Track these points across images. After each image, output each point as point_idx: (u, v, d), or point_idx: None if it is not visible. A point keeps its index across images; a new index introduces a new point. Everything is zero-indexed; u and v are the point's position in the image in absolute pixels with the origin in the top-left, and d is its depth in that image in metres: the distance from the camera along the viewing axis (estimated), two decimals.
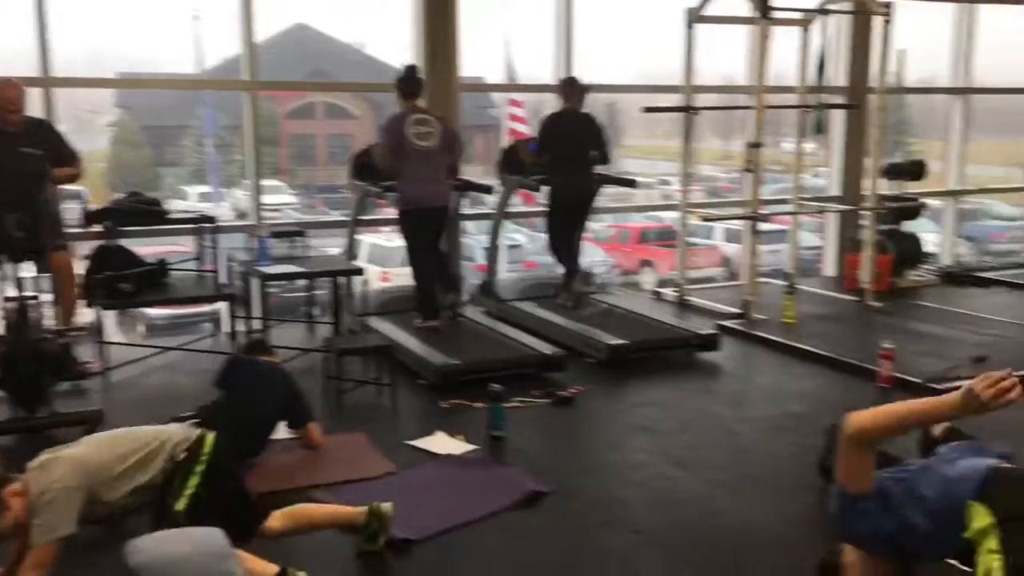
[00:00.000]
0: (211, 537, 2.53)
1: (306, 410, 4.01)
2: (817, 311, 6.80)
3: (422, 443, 4.12)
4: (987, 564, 1.96)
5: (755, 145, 6.42)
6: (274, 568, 2.64)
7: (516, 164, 6.54)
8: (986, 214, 16.02)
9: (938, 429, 3.55)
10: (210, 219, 5.89)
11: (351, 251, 6.49)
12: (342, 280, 5.83)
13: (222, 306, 6.08)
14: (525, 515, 3.42)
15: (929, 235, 9.48)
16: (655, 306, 7.06)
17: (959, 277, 8.01)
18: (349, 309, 5.93)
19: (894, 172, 7.60)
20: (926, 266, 8.15)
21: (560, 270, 6.55)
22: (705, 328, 5.93)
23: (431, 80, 6.30)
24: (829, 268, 8.56)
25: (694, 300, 7.14)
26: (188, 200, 18.26)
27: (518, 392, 4.68)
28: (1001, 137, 16.09)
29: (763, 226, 6.69)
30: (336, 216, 10.32)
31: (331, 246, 6.98)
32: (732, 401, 4.92)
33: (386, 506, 3.07)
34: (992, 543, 1.98)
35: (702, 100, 7.40)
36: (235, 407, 3.70)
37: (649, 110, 7.40)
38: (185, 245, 6.98)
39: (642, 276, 16.03)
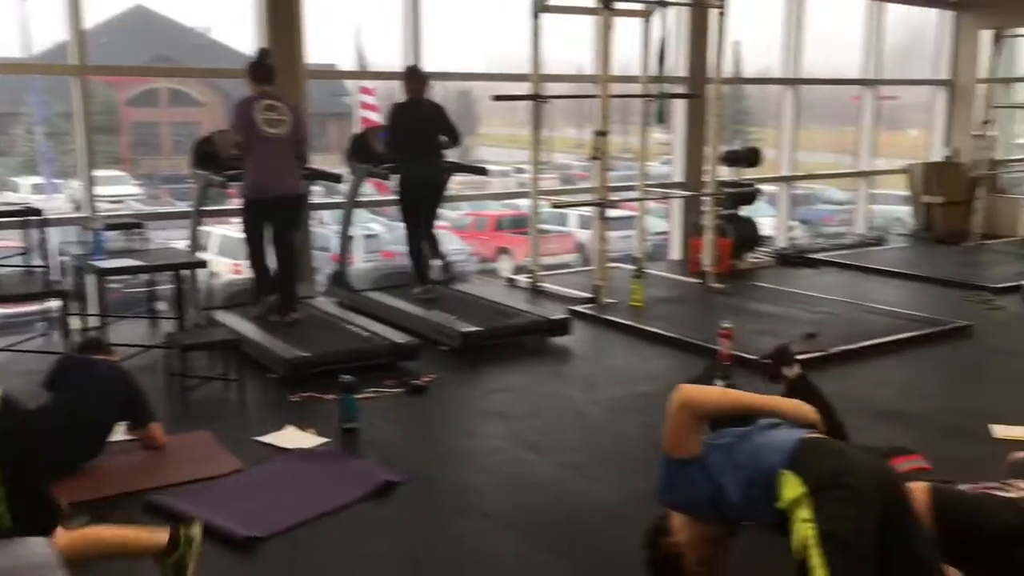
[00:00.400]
0: (31, 547, 2.38)
1: (146, 410, 3.85)
2: (663, 294, 7.04)
3: (271, 438, 4.03)
4: (802, 533, 1.99)
5: (601, 133, 6.58)
6: (164, 535, 2.54)
7: (366, 152, 6.46)
8: (818, 199, 16.99)
9: (793, 371, 3.72)
10: (36, 211, 5.54)
11: (196, 243, 6.25)
12: (186, 273, 5.60)
13: (54, 304, 5.74)
14: (377, 506, 3.40)
15: (765, 219, 9.99)
16: (509, 293, 7.14)
17: (792, 258, 8.47)
18: (194, 303, 5.71)
19: (732, 159, 7.96)
20: (763, 248, 8.58)
21: (415, 259, 6.53)
22: (557, 313, 6.04)
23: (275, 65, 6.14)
24: (675, 252, 8.89)
25: (547, 286, 7.26)
26: (20, 192, 17.15)
27: (371, 383, 4.64)
28: (830, 126, 17.11)
29: (614, 213, 6.87)
30: (181, 207, 9.91)
31: (178, 238, 6.70)
32: (583, 384, 5.04)
33: (195, 530, 2.65)
34: (805, 512, 2.01)
35: (554, 89, 7.52)
36: (64, 409, 3.50)
37: (498, 98, 7.46)
38: (12, 240, 6.54)
39: (499, 263, 16.17)
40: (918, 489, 2.82)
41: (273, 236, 5.67)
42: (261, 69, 5.60)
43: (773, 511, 2.10)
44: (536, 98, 7.01)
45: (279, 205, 5.59)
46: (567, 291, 7.03)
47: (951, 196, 9.56)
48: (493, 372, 5.17)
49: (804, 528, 1.99)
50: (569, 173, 21.90)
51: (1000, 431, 4.12)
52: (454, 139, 6.33)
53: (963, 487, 2.95)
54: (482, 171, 6.89)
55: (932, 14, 10.47)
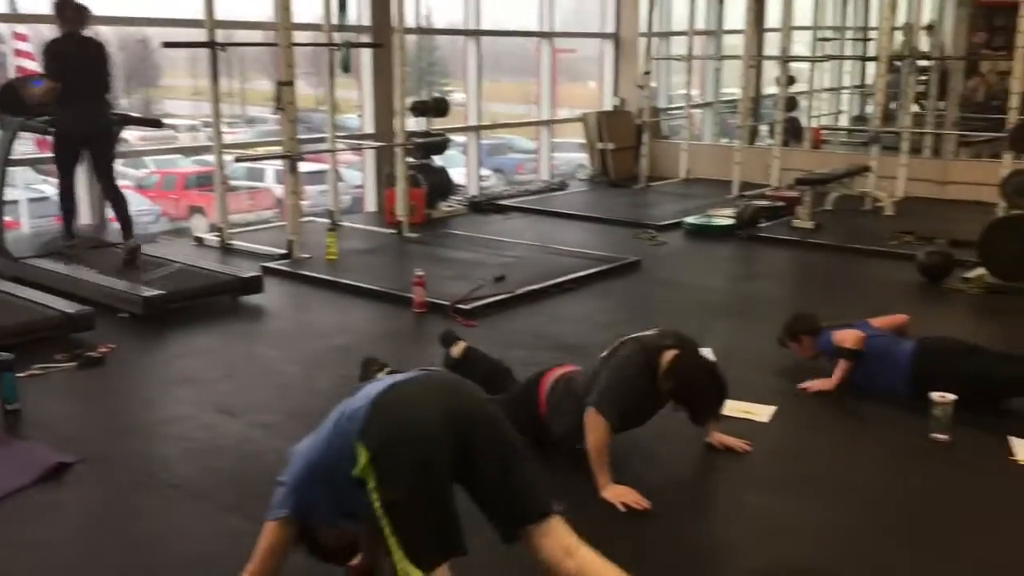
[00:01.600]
0: None
1: None
2: (360, 246, 7.03)
3: None
4: (373, 502, 1.95)
5: (285, 84, 6.38)
6: None
7: (17, 104, 5.78)
8: (510, 148, 17.72)
9: (457, 350, 3.89)
10: None
11: None
12: None
13: None
14: (46, 491, 3.12)
15: (459, 169, 10.27)
16: (198, 253, 6.78)
17: (484, 206, 8.79)
18: None
19: (420, 109, 8.06)
20: (456, 197, 8.82)
21: (73, 217, 6.05)
22: (248, 271, 5.84)
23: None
24: (371, 204, 8.89)
25: (239, 244, 6.98)
26: None
27: (38, 359, 4.24)
28: (518, 78, 17.82)
29: (311, 166, 6.72)
30: None
31: None
32: (277, 342, 4.93)
33: None
34: (372, 481, 1.95)
35: (239, 38, 7.15)
36: None
37: (168, 45, 6.97)
38: None
39: (192, 223, 15.32)
40: (595, 417, 3.09)
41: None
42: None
43: (353, 479, 2.01)
44: (211, 45, 6.63)
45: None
46: (261, 248, 6.80)
47: (621, 142, 10.37)
48: (180, 337, 4.90)
49: (373, 496, 1.95)
50: (266, 128, 21.12)
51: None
52: (106, 85, 5.89)
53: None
54: (157, 124, 6.45)
55: None
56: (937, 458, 3.43)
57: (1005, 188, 6.43)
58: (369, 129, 8.67)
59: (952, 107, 10.72)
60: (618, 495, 3.01)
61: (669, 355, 3.12)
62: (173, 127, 16.18)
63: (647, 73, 10.12)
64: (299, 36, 6.98)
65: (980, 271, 5.90)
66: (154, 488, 3.16)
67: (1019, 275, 5.74)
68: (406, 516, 1.95)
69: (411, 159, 7.73)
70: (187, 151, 15.35)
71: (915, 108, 9.97)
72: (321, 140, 8.17)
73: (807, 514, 3.04)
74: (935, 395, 3.54)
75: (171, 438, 3.59)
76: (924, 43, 11.54)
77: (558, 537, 2.10)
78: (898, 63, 9.59)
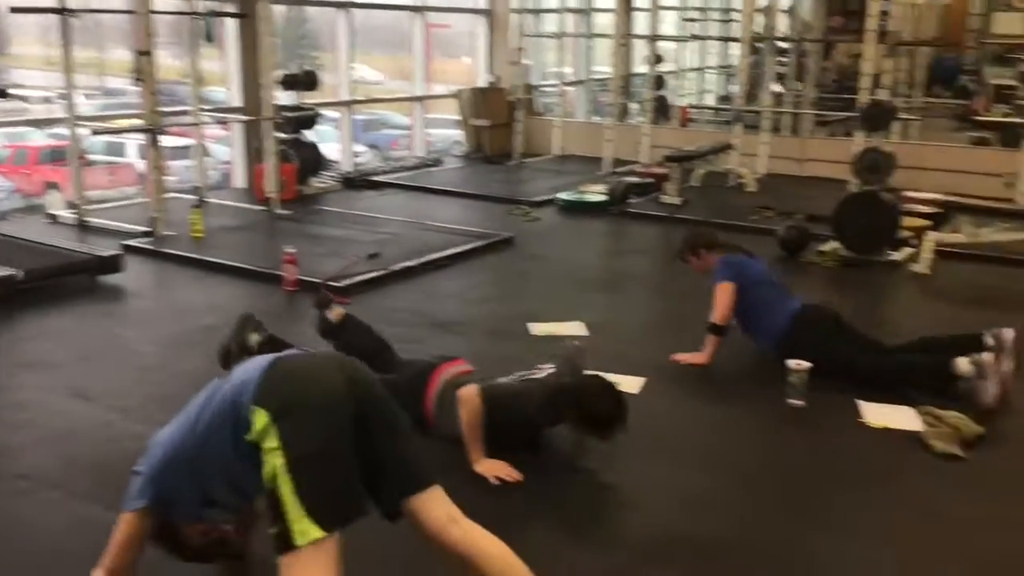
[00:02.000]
0: None
1: None
2: (228, 223, 6.81)
3: None
4: (271, 464, 1.89)
5: (144, 53, 6.09)
6: None
7: None
8: (384, 123, 17.48)
9: (334, 314, 3.78)
10: None
11: None
12: None
13: None
14: None
15: (332, 144, 10.07)
16: (52, 231, 6.43)
17: (357, 182, 8.66)
18: None
19: (290, 83, 7.85)
20: (328, 173, 8.65)
21: None
22: (107, 250, 5.56)
23: None
24: (240, 180, 8.61)
25: (97, 221, 6.66)
26: None
27: None
28: (393, 52, 17.57)
29: (177, 141, 6.44)
30: None
31: None
32: (138, 323, 4.73)
33: None
34: (272, 441, 1.89)
35: (95, 3, 6.78)
36: None
37: (16, 11, 6.53)
38: None
39: (47, 199, 14.49)
40: (470, 391, 3.10)
41: None
42: None
43: (245, 447, 1.95)
44: (62, 11, 6.26)
45: None
46: (121, 226, 6.51)
47: (495, 119, 10.38)
48: (31, 319, 4.64)
49: (273, 459, 1.88)
50: (126, 101, 20.10)
51: (535, 329, 4.63)
52: None
53: (502, 379, 3.29)
54: (2, 94, 6.04)
55: None
56: (794, 423, 3.60)
57: (856, 166, 6.77)
58: (236, 102, 8.38)
59: (809, 88, 11.19)
60: (491, 468, 3.04)
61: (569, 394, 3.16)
62: (23, 98, 15.25)
63: (520, 50, 10.15)
64: (158, 3, 6.66)
65: (834, 244, 6.21)
66: (3, 481, 2.99)
67: (869, 248, 6.07)
68: (313, 472, 1.89)
69: (281, 134, 7.53)
70: (39, 123, 14.49)
71: (776, 88, 10.36)
72: (186, 113, 7.85)
73: (675, 482, 3.13)
74: (791, 362, 3.71)
75: (20, 426, 3.40)
76: (784, 25, 12.01)
77: (442, 505, 2.12)
78: (759, 44, 9.95)
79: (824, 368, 3.76)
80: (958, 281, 5.81)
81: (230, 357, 3.43)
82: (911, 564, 2.64)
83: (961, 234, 6.16)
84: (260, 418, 1.92)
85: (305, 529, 1.84)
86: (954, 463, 3.25)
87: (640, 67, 11.06)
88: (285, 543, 1.85)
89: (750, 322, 4.22)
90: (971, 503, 3.00)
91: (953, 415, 3.49)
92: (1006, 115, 9.93)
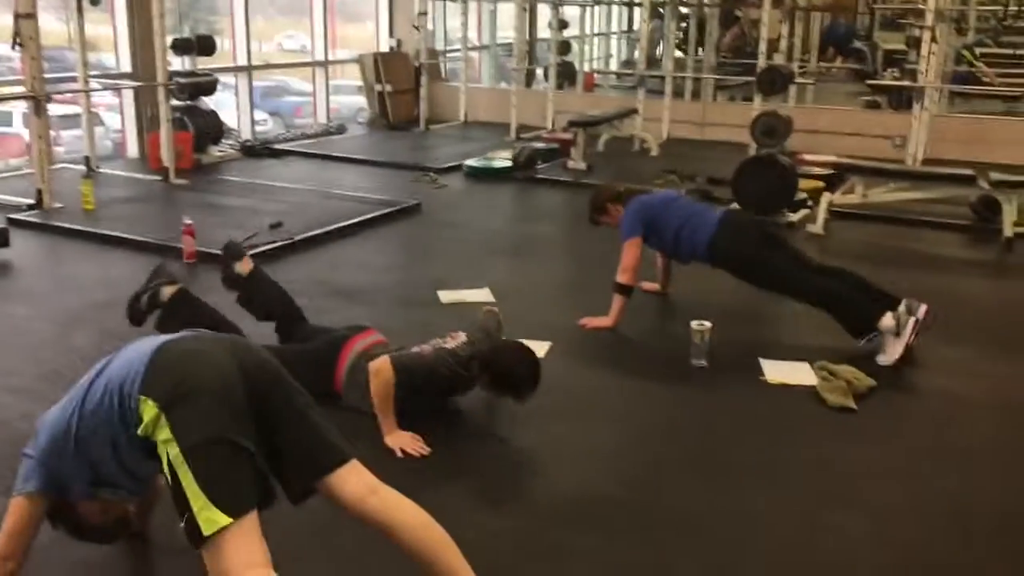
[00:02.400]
0: None
1: None
2: (121, 194, 6.57)
3: None
4: (166, 455, 1.85)
5: (25, 16, 5.78)
6: None
7: None
8: (287, 90, 17.04)
9: (243, 266, 3.66)
10: None
11: None
12: None
13: None
14: None
15: (233, 111, 9.76)
16: None
17: (258, 150, 8.44)
18: None
19: (183, 48, 7.57)
20: (228, 141, 8.40)
21: None
22: None
23: None
24: (133, 150, 8.29)
25: None
26: None
27: None
28: (296, 17, 17.11)
29: (67, 109, 6.14)
30: None
31: None
32: (26, 299, 4.52)
33: None
34: (164, 432, 1.85)
35: None
36: None
37: None
38: None
39: None
40: (382, 363, 3.07)
41: None
42: None
43: (136, 439, 1.91)
44: None
45: None
46: (6, 199, 6.21)
47: (399, 85, 10.24)
48: None
49: (167, 449, 1.84)
50: (11, 66, 19.04)
51: (444, 296, 4.61)
52: None
53: (415, 348, 3.26)
54: None
55: None
56: (698, 383, 3.69)
57: (754, 129, 6.93)
58: (126, 68, 8.04)
59: (709, 53, 11.38)
60: (399, 441, 3.02)
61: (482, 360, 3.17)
62: None
63: (423, 14, 10.01)
64: None
65: (734, 206, 6.35)
66: None
67: (767, 209, 6.23)
68: (210, 459, 1.84)
69: (176, 101, 7.26)
70: None
71: (677, 54, 10.50)
72: (73, 80, 7.49)
73: (582, 445, 3.18)
74: (694, 323, 3.80)
75: None
76: None
77: (360, 478, 2.10)
78: (661, 10, 10.05)
79: (755, 276, 3.91)
80: (852, 240, 6.02)
81: (140, 312, 3.32)
82: (807, 512, 2.75)
83: (854, 195, 6.39)
84: (149, 409, 1.87)
85: (212, 517, 1.79)
86: (846, 415, 3.39)
87: (545, 32, 11.05)
88: (195, 534, 1.81)
89: (680, 241, 4.24)
90: (862, 453, 3.14)
91: (847, 368, 3.64)
92: (895, 78, 10.30)
